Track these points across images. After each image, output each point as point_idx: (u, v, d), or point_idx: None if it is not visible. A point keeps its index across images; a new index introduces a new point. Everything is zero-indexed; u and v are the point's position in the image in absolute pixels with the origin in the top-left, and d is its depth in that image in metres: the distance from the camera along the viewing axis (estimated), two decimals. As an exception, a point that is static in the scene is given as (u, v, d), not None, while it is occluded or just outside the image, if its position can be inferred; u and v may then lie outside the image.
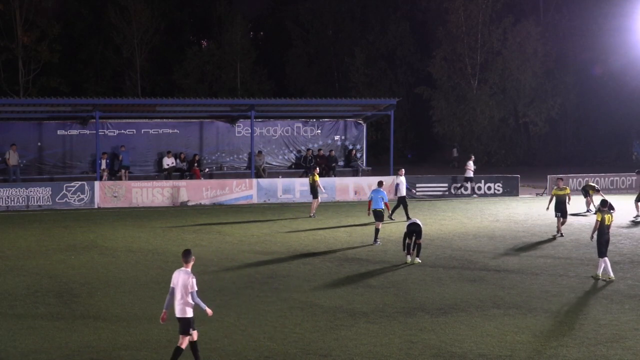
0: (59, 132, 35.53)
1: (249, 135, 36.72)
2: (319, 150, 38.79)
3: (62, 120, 35.59)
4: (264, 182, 35.31)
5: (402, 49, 67.45)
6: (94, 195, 32.47)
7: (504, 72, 59.96)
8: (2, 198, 31.57)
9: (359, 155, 40.35)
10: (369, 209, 24.24)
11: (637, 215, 29.59)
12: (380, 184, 25.36)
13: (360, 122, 40.60)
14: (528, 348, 12.82)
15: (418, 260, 20.27)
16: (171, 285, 11.77)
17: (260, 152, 37.33)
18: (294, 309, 15.40)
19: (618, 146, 62.40)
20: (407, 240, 20.45)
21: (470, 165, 37.34)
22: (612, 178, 38.90)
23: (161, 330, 13.82)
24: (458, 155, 57.58)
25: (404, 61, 67.58)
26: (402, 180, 29.11)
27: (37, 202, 31.85)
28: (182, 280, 11.62)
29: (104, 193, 32.68)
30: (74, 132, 35.68)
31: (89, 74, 64.87)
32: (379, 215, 23.82)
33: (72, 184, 32.49)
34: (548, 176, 38.99)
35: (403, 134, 65.17)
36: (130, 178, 34.91)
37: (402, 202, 28.90)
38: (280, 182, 35.52)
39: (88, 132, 35.54)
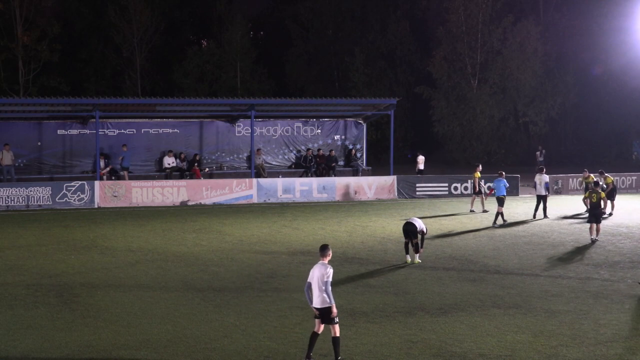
0: (59, 131, 35.56)
1: (249, 134, 36.73)
2: (319, 150, 38.80)
3: (62, 120, 35.61)
4: (264, 181, 35.31)
5: (402, 49, 67.41)
6: (94, 194, 32.48)
7: (504, 71, 59.91)
8: (2, 198, 31.57)
9: (359, 154, 40.36)
10: (490, 194, 30.01)
11: None
12: (500, 174, 29.14)
13: (360, 121, 40.61)
14: (528, 348, 12.82)
15: (418, 260, 20.28)
16: (308, 280, 12.20)
17: (259, 149, 37.35)
18: (294, 308, 15.41)
19: (618, 146, 62.37)
20: (405, 240, 20.49)
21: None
22: (612, 178, 38.76)
23: (161, 330, 13.84)
24: (543, 159, 51.72)
25: (403, 61, 67.55)
26: (545, 178, 29.87)
27: (37, 201, 31.86)
28: (318, 272, 12.03)
29: (104, 193, 32.68)
30: (74, 131, 35.71)
31: (89, 73, 64.80)
32: (501, 201, 27.95)
33: (72, 184, 32.50)
34: (548, 176, 38.93)
35: (403, 133, 65.13)
36: (131, 178, 34.92)
37: (542, 199, 29.68)
38: (280, 182, 35.52)
39: (88, 131, 35.57)
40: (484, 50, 60.33)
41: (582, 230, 26.04)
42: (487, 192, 32.37)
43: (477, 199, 32.32)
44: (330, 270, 12.05)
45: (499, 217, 27.90)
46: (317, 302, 12.02)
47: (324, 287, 11.96)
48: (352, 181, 36.69)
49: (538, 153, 52.25)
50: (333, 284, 17.81)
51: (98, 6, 64.73)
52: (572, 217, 30.13)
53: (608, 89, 60.72)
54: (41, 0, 56.08)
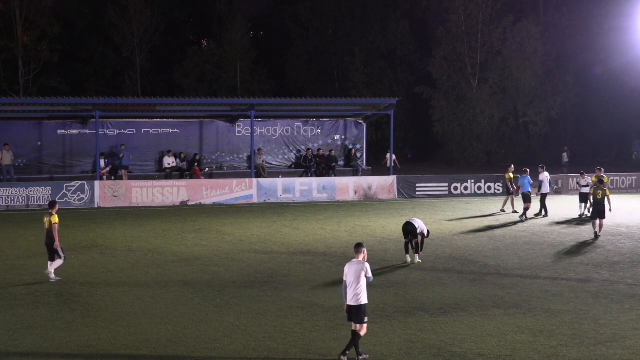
0: (59, 131, 35.54)
1: (249, 134, 36.73)
2: (319, 150, 38.80)
3: (62, 120, 35.61)
4: (264, 181, 35.31)
5: (402, 49, 67.38)
6: (94, 194, 32.48)
7: (504, 71, 59.93)
8: (2, 198, 31.57)
9: (359, 154, 40.35)
10: (517, 191, 30.16)
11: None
12: (525, 171, 29.82)
13: (360, 121, 40.60)
14: (528, 348, 12.82)
15: (418, 260, 20.28)
16: (344, 278, 12.36)
17: (260, 149, 37.35)
18: (294, 308, 15.41)
19: (618, 146, 62.35)
20: (405, 240, 20.50)
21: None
22: (612, 178, 38.83)
23: (161, 330, 13.84)
24: (569, 161, 51.26)
25: (404, 61, 67.51)
26: (545, 176, 30.70)
27: (37, 201, 31.85)
28: (355, 270, 12.21)
29: (104, 193, 32.68)
30: (74, 131, 35.70)
31: (89, 73, 64.77)
32: (527, 198, 28.92)
33: (72, 184, 32.50)
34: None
35: (403, 133, 65.10)
36: (131, 178, 34.91)
37: (545, 197, 30.38)
38: (280, 182, 35.52)
39: (88, 131, 35.56)
40: (484, 50, 60.34)
41: (582, 231, 26.06)
42: (515, 189, 31.94)
43: (515, 199, 31.72)
44: (368, 266, 12.24)
45: (526, 213, 28.85)
46: (351, 300, 12.18)
47: (363, 284, 12.13)
48: (357, 181, 36.71)
49: (565, 154, 51.63)
50: (333, 283, 17.91)
51: (98, 6, 64.69)
52: (572, 217, 30.08)
53: (608, 89, 60.70)
54: (41, 0, 56.06)
